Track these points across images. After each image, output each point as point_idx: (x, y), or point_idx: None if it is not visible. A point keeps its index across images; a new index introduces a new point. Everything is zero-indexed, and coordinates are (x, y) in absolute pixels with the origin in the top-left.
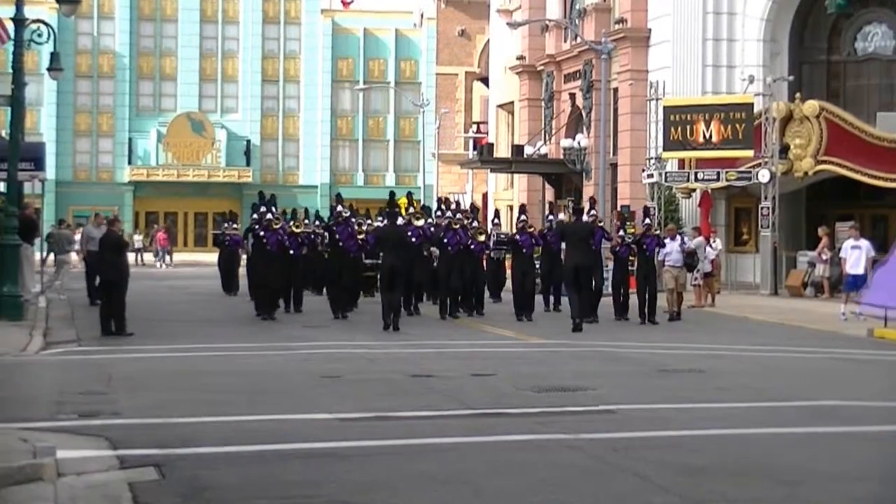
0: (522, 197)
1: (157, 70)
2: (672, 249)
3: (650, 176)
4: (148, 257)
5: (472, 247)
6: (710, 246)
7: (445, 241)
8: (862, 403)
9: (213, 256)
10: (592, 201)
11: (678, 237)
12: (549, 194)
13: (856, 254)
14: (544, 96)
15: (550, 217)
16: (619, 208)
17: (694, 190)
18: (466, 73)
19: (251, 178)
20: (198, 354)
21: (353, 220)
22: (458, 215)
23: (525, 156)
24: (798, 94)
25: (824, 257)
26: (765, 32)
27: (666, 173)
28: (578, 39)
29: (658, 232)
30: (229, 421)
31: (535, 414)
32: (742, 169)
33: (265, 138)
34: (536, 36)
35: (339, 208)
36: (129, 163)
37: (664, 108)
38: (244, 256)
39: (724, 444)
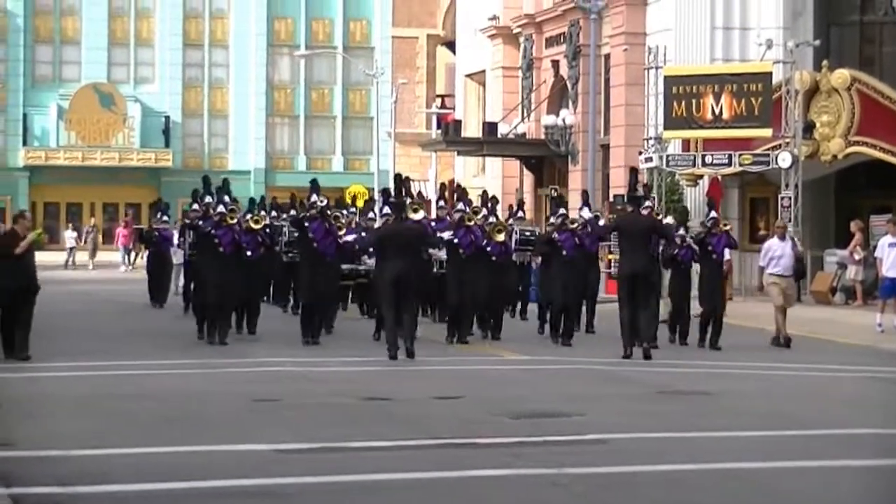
0: (495, 185)
1: (58, 32)
2: (783, 253)
3: (648, 160)
4: (81, 257)
5: (490, 249)
6: None
7: (456, 240)
8: None
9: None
10: (647, 189)
11: (787, 238)
12: (528, 182)
13: (894, 253)
14: (522, 64)
15: (587, 211)
16: (611, 199)
17: (701, 176)
18: (429, 36)
19: (171, 163)
20: (109, 374)
21: (329, 212)
22: (467, 208)
23: (499, 135)
24: (825, 62)
25: (857, 257)
26: None
27: (667, 157)
28: None
29: (728, 227)
30: (144, 453)
31: (510, 444)
32: (758, 151)
33: (187, 114)
34: None
35: (315, 198)
36: (24, 144)
37: (665, 78)
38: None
39: (733, 480)
